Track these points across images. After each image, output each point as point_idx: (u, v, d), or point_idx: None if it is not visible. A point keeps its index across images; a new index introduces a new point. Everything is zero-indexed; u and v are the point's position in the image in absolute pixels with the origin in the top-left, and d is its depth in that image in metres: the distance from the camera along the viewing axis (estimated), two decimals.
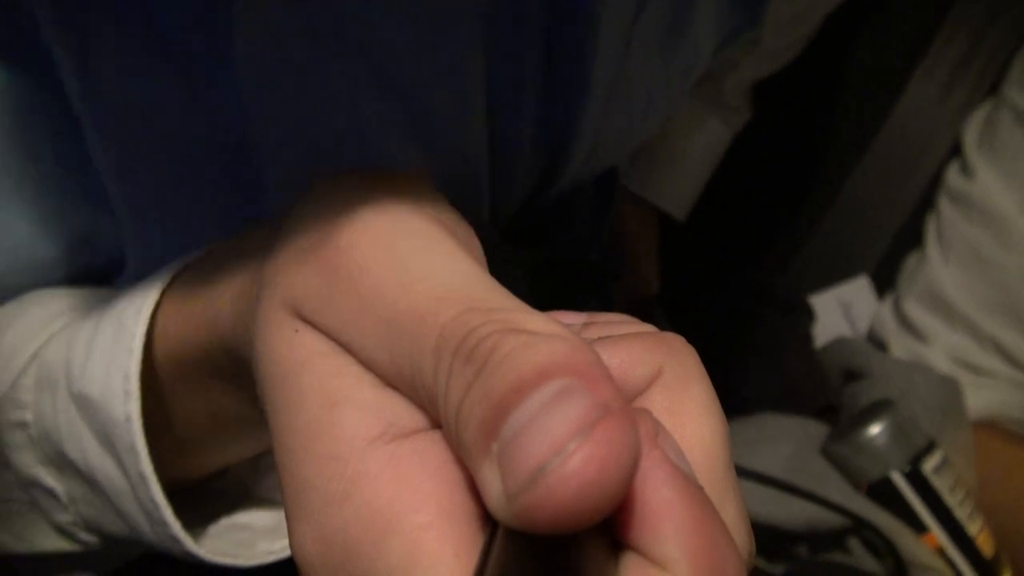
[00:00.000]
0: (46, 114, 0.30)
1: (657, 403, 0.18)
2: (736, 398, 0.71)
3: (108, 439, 0.27)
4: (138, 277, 0.29)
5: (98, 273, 0.35)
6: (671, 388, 0.19)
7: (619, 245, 0.71)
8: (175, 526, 0.27)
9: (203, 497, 0.32)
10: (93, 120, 0.29)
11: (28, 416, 0.30)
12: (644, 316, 0.22)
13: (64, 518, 0.31)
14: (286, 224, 0.20)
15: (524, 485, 0.14)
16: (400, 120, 0.33)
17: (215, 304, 0.23)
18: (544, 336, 0.15)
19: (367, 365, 0.17)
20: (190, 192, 0.32)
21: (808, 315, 0.79)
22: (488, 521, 0.16)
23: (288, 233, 0.19)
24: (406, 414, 0.17)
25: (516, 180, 0.40)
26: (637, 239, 0.75)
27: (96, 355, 0.27)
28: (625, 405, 0.15)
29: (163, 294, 0.27)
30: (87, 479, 0.29)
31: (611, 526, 0.15)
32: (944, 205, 0.75)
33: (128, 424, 0.26)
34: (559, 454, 0.13)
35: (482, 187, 0.38)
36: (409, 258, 0.17)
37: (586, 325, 0.21)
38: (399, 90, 0.32)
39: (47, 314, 0.32)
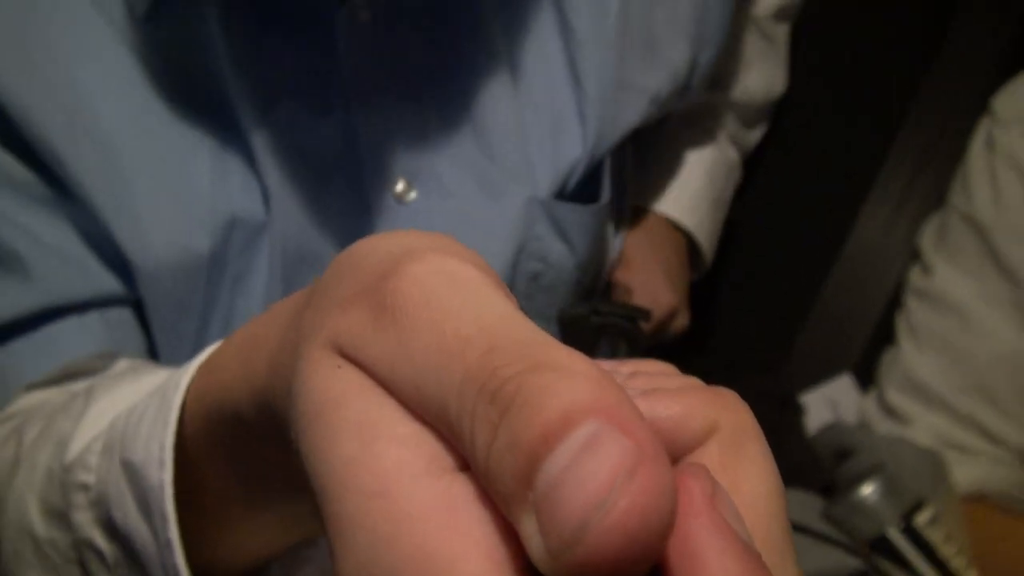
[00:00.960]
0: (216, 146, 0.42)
1: (714, 459, 0.18)
2: None
3: (146, 505, 0.29)
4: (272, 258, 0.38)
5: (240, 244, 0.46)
6: (728, 444, 0.18)
7: (643, 276, 0.72)
8: None
9: None
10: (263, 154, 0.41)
11: (91, 479, 0.32)
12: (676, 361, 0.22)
13: None
14: (325, 280, 0.20)
15: (568, 542, 0.13)
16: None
17: (250, 363, 0.24)
18: (568, 373, 0.15)
19: (402, 403, 0.17)
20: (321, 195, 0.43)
21: (799, 410, 0.85)
22: (533, 572, 0.15)
23: (333, 283, 0.19)
24: (445, 450, 0.16)
25: None
26: (662, 263, 0.74)
27: (143, 425, 0.30)
28: (659, 447, 0.14)
29: (203, 366, 0.29)
30: (125, 543, 0.31)
31: None
32: (911, 302, 0.83)
33: (161, 491, 0.28)
34: (599, 508, 0.13)
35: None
36: (441, 298, 0.17)
37: (632, 375, 0.21)
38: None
39: (135, 389, 0.36)
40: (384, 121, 0.51)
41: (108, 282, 0.48)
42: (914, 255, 0.85)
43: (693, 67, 0.59)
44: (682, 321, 0.74)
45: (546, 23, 0.54)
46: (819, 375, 0.89)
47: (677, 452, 0.19)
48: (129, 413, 0.31)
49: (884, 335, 0.86)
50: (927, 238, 0.84)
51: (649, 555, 0.14)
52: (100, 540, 0.32)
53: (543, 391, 0.14)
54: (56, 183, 0.46)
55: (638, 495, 0.13)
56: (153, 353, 0.51)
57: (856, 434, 0.76)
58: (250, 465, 0.27)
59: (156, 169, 0.47)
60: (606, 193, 0.60)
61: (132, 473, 0.29)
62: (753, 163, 0.84)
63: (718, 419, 0.18)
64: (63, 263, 0.47)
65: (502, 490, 0.15)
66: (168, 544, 0.28)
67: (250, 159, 0.49)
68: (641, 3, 0.55)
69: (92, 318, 0.47)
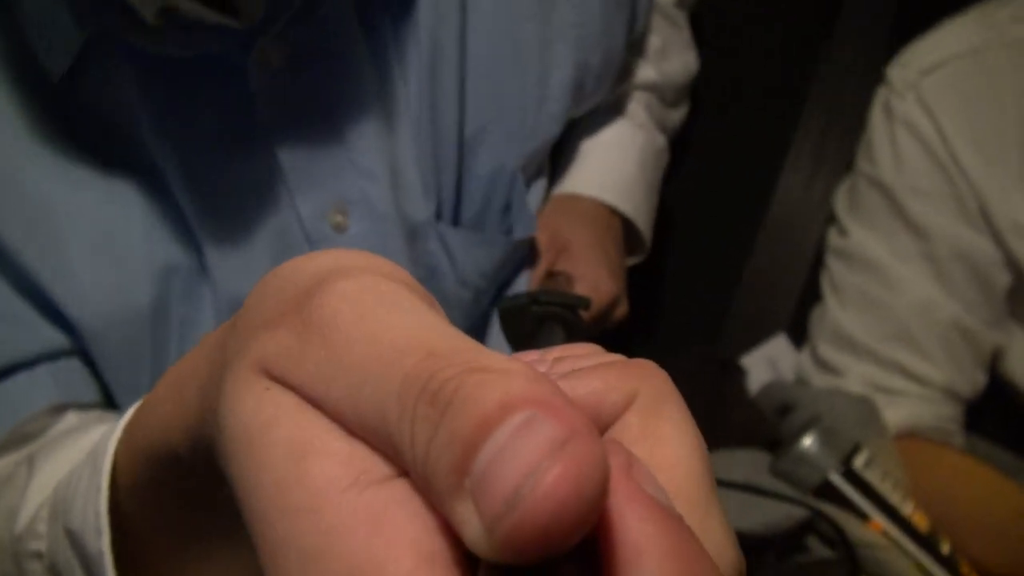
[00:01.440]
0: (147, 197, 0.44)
1: (633, 427, 0.19)
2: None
3: (91, 572, 0.29)
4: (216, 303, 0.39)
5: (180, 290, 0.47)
6: (646, 411, 0.19)
7: (582, 265, 0.73)
8: None
9: None
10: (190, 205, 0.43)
11: (43, 547, 0.33)
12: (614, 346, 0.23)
13: None
14: (249, 303, 0.20)
15: (501, 513, 0.14)
16: None
17: (182, 398, 0.23)
18: (504, 372, 0.15)
19: (335, 419, 0.17)
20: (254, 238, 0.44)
21: (741, 372, 0.91)
22: (469, 564, 0.15)
23: (254, 307, 0.19)
24: (377, 462, 0.16)
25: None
26: (602, 252, 0.76)
27: (79, 492, 0.29)
28: (591, 426, 0.15)
29: (134, 417, 0.28)
30: None
31: (591, 565, 0.15)
32: (831, 261, 0.89)
33: (101, 558, 0.28)
34: (531, 476, 0.14)
35: None
36: (375, 313, 0.17)
37: (556, 360, 0.22)
38: None
39: (74, 451, 0.38)
40: (309, 153, 0.52)
41: (54, 336, 0.48)
42: (831, 218, 0.92)
43: (584, 70, 0.62)
44: (622, 309, 0.77)
45: (444, 51, 0.57)
46: (756, 337, 0.95)
47: (599, 427, 0.19)
48: (68, 478, 0.31)
49: (812, 294, 0.92)
50: (840, 202, 0.90)
51: (581, 524, 0.14)
52: None
53: (481, 386, 0.15)
54: None
55: (569, 463, 0.14)
56: (110, 398, 0.52)
57: (794, 390, 0.82)
58: (192, 509, 0.26)
59: (88, 225, 0.48)
60: (519, 229, 0.63)
61: (74, 541, 0.29)
62: (675, 144, 0.88)
63: (636, 389, 0.19)
64: (6, 323, 0.47)
65: (439, 486, 0.15)
66: None
67: (179, 209, 0.50)
68: (511, 19, 0.59)
69: (41, 372, 0.48)
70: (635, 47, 0.77)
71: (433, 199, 0.60)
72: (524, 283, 0.70)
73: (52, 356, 0.49)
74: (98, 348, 0.49)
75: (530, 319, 0.61)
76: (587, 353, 0.22)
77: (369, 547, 0.15)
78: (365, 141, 0.54)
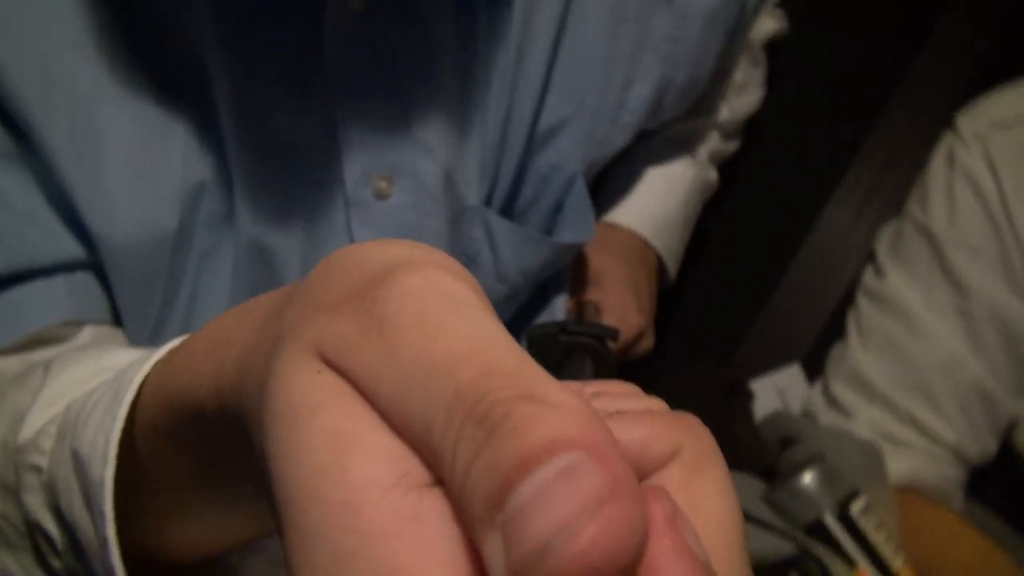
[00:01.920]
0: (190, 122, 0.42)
1: (675, 481, 0.19)
2: None
3: (89, 498, 0.28)
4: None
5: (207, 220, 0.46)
6: (689, 466, 0.19)
7: (612, 296, 0.73)
8: None
9: None
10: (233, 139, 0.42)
11: (44, 462, 0.32)
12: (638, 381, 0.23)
13: (56, 564, 0.32)
14: (311, 280, 0.19)
15: (528, 562, 0.13)
16: None
17: (219, 360, 0.23)
18: (558, 407, 0.15)
19: (382, 415, 0.17)
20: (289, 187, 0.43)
21: (748, 395, 0.89)
22: None
23: (317, 286, 0.19)
24: (420, 466, 0.16)
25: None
26: (632, 285, 0.76)
27: (93, 417, 0.29)
28: (635, 485, 0.14)
29: (167, 357, 0.28)
30: (71, 533, 0.30)
31: None
32: (862, 301, 0.88)
33: (101, 487, 0.27)
34: (564, 532, 0.13)
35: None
36: (437, 313, 0.17)
37: (596, 395, 0.22)
38: None
39: (95, 368, 0.35)
40: (367, 116, 0.50)
41: (74, 248, 0.47)
42: (870, 257, 0.90)
43: (667, 85, 0.60)
44: (647, 343, 0.76)
45: (535, 39, 0.55)
46: (770, 364, 0.94)
47: (640, 474, 0.19)
48: (85, 400, 0.31)
49: (835, 331, 0.90)
50: (883, 243, 0.88)
51: None
52: (50, 524, 0.32)
53: (531, 419, 0.14)
54: (25, 142, 0.45)
55: (606, 525, 0.13)
56: (116, 320, 0.50)
57: (801, 423, 0.80)
58: (206, 460, 0.26)
59: (129, 141, 0.47)
60: (565, 233, 0.61)
61: (79, 464, 0.29)
62: (731, 182, 0.87)
63: (680, 443, 0.19)
64: (28, 225, 0.46)
65: (473, 511, 0.14)
66: (105, 541, 0.27)
67: (221, 143, 0.49)
68: (612, 19, 0.56)
69: (57, 282, 0.46)
70: (719, 77, 0.75)
71: (487, 187, 0.57)
72: (563, 287, 0.69)
73: (70, 267, 0.47)
74: (115, 267, 0.48)
75: (559, 347, 0.59)
76: (626, 393, 0.22)
77: (404, 555, 0.15)
78: (429, 114, 0.52)
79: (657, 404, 0.21)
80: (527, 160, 0.59)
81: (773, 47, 0.85)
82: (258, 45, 0.47)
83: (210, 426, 0.24)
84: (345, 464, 0.16)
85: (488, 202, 0.58)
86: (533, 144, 0.58)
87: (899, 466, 0.79)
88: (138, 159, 0.47)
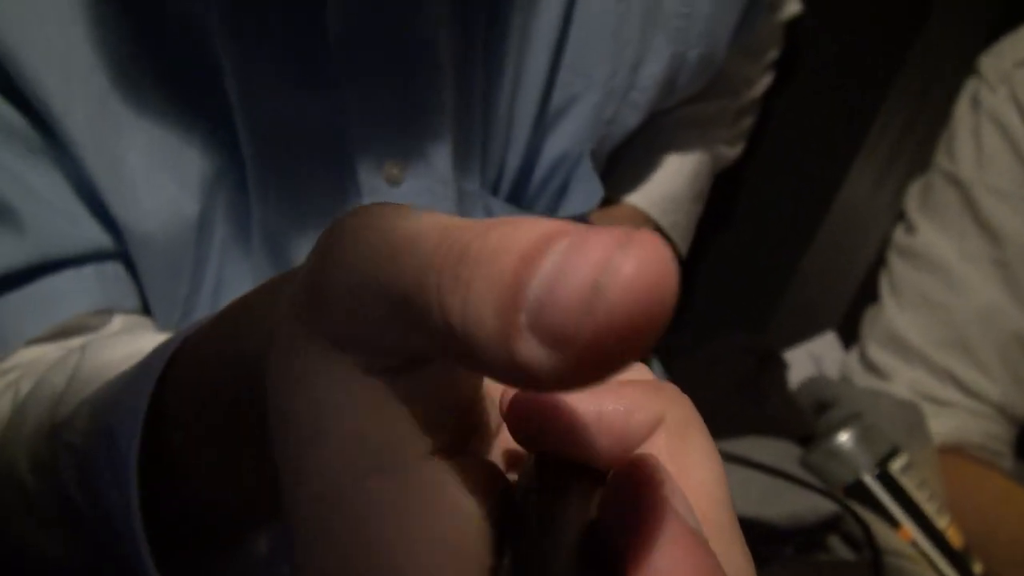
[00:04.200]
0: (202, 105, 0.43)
1: (662, 449, 0.19)
2: (723, 434, 0.78)
3: (116, 473, 0.29)
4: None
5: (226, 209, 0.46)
6: (674, 434, 0.19)
7: None
8: (147, 560, 0.28)
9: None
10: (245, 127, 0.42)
11: (78, 440, 0.32)
12: None
13: (86, 542, 0.33)
14: (308, 257, 0.20)
15: (579, 320, 0.13)
16: None
17: (239, 333, 0.23)
18: (529, 219, 0.14)
19: (366, 343, 0.16)
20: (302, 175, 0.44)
21: (782, 364, 0.86)
22: (498, 554, 0.15)
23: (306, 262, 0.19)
24: (418, 438, 0.16)
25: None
26: None
27: (123, 393, 0.29)
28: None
29: (192, 335, 0.28)
30: (101, 510, 0.30)
31: None
32: (894, 260, 0.85)
33: (129, 456, 0.28)
34: (606, 271, 0.13)
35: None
36: (386, 217, 0.17)
37: None
38: None
39: (130, 351, 0.36)
40: (377, 100, 0.49)
41: (102, 237, 0.48)
42: (899, 216, 0.87)
43: (679, 64, 0.59)
44: None
45: (544, 14, 0.54)
46: (804, 333, 0.91)
47: (627, 444, 0.19)
48: (118, 380, 0.31)
49: (869, 294, 0.87)
50: (912, 198, 0.85)
51: (664, 316, 0.13)
52: (82, 503, 0.32)
53: (512, 233, 0.14)
54: (50, 135, 0.46)
55: (641, 252, 0.13)
56: (145, 308, 0.51)
57: (837, 387, 0.78)
58: (235, 429, 0.26)
59: (150, 128, 0.47)
60: (569, 206, 0.60)
61: (108, 439, 0.29)
62: (755, 150, 0.85)
63: (663, 410, 0.19)
64: (57, 215, 0.46)
65: (487, 341, 0.14)
66: (130, 515, 0.27)
67: (235, 133, 0.48)
68: None
69: (88, 272, 0.47)
70: (737, 56, 0.74)
71: (495, 171, 0.57)
72: None
73: (99, 257, 0.48)
74: (142, 255, 0.48)
75: None
76: None
77: (397, 540, 0.15)
78: (436, 96, 0.51)
79: (641, 372, 0.21)
80: (536, 142, 0.58)
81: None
82: (266, 33, 0.47)
83: (237, 393, 0.24)
84: (323, 452, 0.16)
85: (496, 188, 0.57)
86: (542, 125, 0.57)
87: (942, 426, 0.75)
88: (159, 148, 0.47)
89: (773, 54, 0.83)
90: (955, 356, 0.78)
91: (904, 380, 0.79)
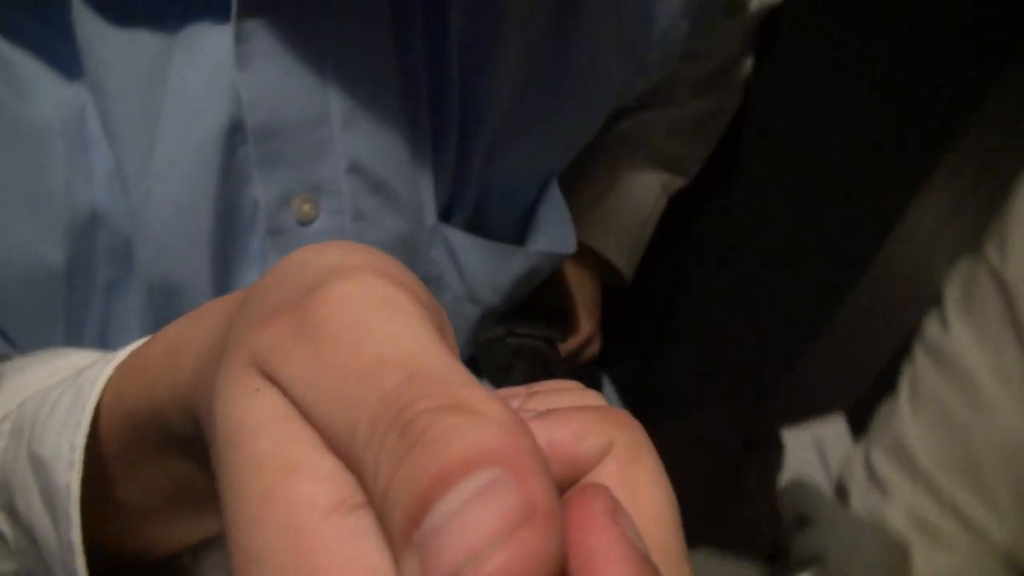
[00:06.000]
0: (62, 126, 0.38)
1: (612, 475, 0.18)
2: (695, 528, 0.72)
3: (52, 502, 0.28)
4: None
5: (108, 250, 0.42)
6: (624, 460, 0.19)
7: (560, 301, 0.75)
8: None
9: None
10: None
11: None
12: (588, 382, 0.23)
13: (8, 566, 0.32)
14: (258, 287, 0.19)
15: None
16: None
17: (176, 364, 0.23)
18: (482, 417, 0.14)
19: (314, 426, 0.17)
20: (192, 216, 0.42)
21: (777, 450, 0.78)
22: None
23: (260, 295, 0.19)
24: (360, 486, 0.16)
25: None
26: (579, 291, 0.77)
27: (53, 419, 0.28)
28: (554, 504, 0.14)
29: (126, 362, 0.27)
30: (28, 535, 0.30)
31: None
32: (920, 356, 0.74)
33: (67, 492, 0.27)
34: (472, 560, 0.13)
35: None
36: (367, 320, 0.17)
37: (530, 395, 0.21)
38: None
39: (48, 370, 0.34)
40: (285, 119, 0.42)
41: None
42: (934, 301, 0.76)
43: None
44: (594, 348, 0.76)
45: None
46: (811, 411, 0.82)
47: (576, 471, 0.19)
48: (42, 399, 0.30)
49: (890, 379, 0.78)
50: (952, 288, 0.74)
51: None
52: (3, 523, 0.31)
53: (452, 431, 0.14)
54: None
55: (517, 551, 0.13)
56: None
57: (821, 504, 0.70)
58: (171, 464, 0.26)
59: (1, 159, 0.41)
60: (547, 240, 0.55)
61: (39, 466, 0.28)
62: (776, 186, 0.75)
63: (613, 436, 0.19)
64: None
65: (393, 529, 0.14)
66: (70, 547, 0.27)
67: (109, 163, 0.42)
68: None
69: None
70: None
71: (445, 197, 0.51)
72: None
73: None
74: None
75: (507, 350, 0.60)
76: (562, 389, 0.22)
77: (344, 574, 0.15)
78: (363, 121, 0.44)
79: (593, 399, 0.21)
80: (492, 159, 0.52)
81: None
82: (117, 33, 0.40)
83: (174, 432, 0.24)
84: (288, 488, 0.16)
85: (448, 215, 0.52)
86: (497, 141, 0.51)
87: (930, 565, 0.67)
88: (9, 179, 0.41)
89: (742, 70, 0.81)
90: (965, 485, 0.68)
91: (903, 501, 0.70)
